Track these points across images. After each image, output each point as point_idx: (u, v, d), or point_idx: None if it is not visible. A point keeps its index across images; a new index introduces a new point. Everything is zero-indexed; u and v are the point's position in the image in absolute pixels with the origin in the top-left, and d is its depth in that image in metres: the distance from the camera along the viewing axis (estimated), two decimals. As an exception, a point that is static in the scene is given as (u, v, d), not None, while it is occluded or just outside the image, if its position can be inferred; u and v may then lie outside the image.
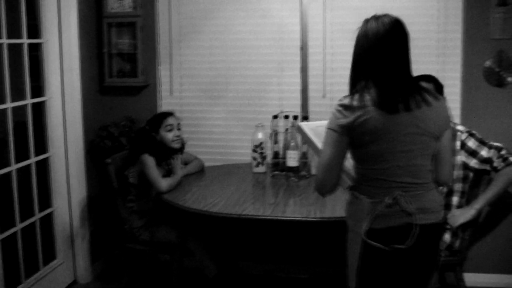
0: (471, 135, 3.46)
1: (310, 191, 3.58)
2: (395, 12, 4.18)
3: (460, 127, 3.52)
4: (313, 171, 3.98)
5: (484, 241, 4.21)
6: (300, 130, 2.76)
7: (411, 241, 2.31)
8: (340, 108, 2.33)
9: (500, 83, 4.06)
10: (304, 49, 4.23)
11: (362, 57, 2.44)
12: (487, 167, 3.41)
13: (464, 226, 3.43)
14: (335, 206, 3.24)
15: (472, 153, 3.43)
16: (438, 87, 3.60)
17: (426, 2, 4.13)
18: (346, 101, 2.33)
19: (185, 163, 4.05)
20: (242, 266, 4.51)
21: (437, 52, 4.15)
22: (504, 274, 4.25)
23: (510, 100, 4.08)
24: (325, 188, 2.42)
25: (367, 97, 2.30)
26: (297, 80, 4.30)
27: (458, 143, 3.48)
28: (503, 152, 3.38)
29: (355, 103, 2.30)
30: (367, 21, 2.53)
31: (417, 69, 3.94)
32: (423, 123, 2.33)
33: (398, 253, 2.32)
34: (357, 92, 2.35)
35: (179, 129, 3.91)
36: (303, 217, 3.12)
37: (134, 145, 3.88)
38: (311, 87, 4.27)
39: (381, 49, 2.38)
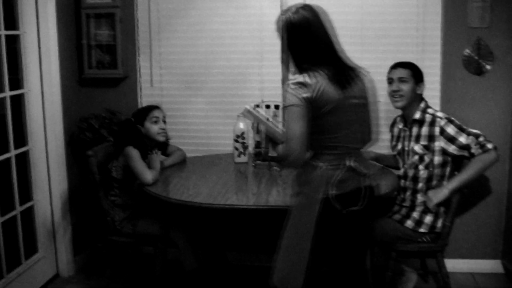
0: (450, 121, 3.50)
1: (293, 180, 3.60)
2: (374, 1, 4.23)
3: (439, 114, 3.56)
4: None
5: (465, 227, 4.26)
6: (250, 112, 2.91)
7: (363, 202, 2.65)
8: (297, 86, 2.54)
9: (479, 71, 4.10)
10: (284, 38, 4.23)
11: (303, 43, 2.68)
12: (465, 153, 3.46)
13: (438, 205, 3.53)
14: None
15: (451, 139, 3.47)
16: (417, 73, 3.64)
17: (405, -10, 4.16)
18: (301, 79, 2.54)
19: (167, 155, 4.04)
20: (228, 256, 4.52)
21: (417, 41, 4.18)
22: (485, 260, 4.31)
23: (488, 88, 4.12)
24: (300, 160, 2.59)
25: (318, 75, 2.55)
26: (278, 70, 4.30)
27: (437, 129, 3.51)
28: (481, 139, 3.43)
29: (309, 80, 2.53)
30: (295, 11, 2.78)
31: (396, 58, 4.00)
32: (364, 94, 2.72)
33: (351, 215, 2.64)
34: (305, 72, 2.58)
35: (164, 122, 3.89)
36: (286, 206, 3.12)
37: (118, 137, 3.85)
38: (291, 77, 4.28)
39: (320, 35, 2.69)
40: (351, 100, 2.62)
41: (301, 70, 2.62)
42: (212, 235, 4.30)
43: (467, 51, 4.09)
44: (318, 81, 2.53)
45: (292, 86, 2.54)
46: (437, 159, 3.54)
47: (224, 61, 4.41)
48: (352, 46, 4.22)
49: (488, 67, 4.08)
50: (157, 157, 3.82)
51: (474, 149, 3.43)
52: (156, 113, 3.84)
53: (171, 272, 3.92)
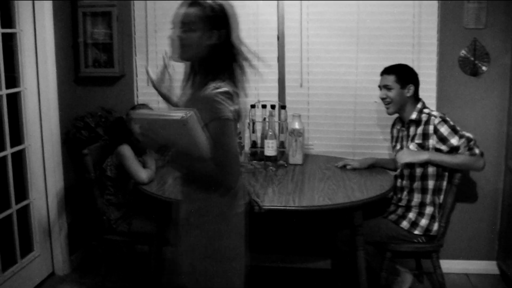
0: (444, 121, 3.51)
1: (288, 180, 3.60)
2: (370, 2, 4.23)
3: (435, 113, 3.58)
4: (291, 160, 4.00)
5: (461, 227, 4.27)
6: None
7: None
8: (227, 96, 2.27)
9: (475, 72, 4.11)
10: (280, 38, 4.24)
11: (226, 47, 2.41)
12: (454, 153, 3.48)
13: (407, 165, 3.59)
14: (313, 195, 3.27)
15: (443, 140, 3.49)
16: (403, 77, 3.63)
17: (402, -9, 4.16)
18: (228, 89, 2.28)
19: None
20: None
21: (413, 41, 4.18)
22: (480, 260, 4.32)
23: (484, 89, 4.13)
24: (238, 178, 2.43)
25: (234, 85, 2.33)
26: (274, 70, 4.31)
27: (431, 127, 3.52)
28: (471, 143, 3.46)
29: (232, 90, 2.31)
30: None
31: (392, 58, 4.01)
32: None
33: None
34: (224, 79, 2.33)
35: None
36: (282, 206, 3.14)
37: (111, 135, 3.85)
38: (288, 76, 4.28)
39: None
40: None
41: (221, 76, 2.36)
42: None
43: (463, 52, 4.10)
44: (238, 94, 2.35)
45: (222, 96, 2.25)
46: None
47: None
48: (348, 47, 4.28)
49: (484, 68, 4.09)
50: (152, 156, 3.82)
51: (462, 151, 3.46)
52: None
53: (166, 270, 3.92)
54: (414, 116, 3.62)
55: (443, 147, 3.49)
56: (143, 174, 3.56)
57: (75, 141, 4.29)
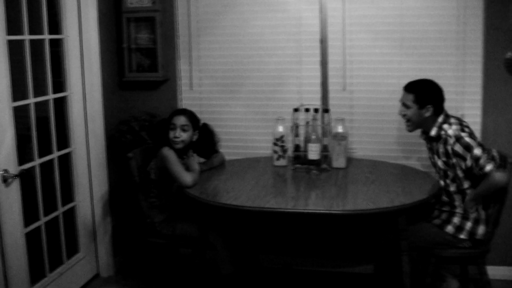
0: (457, 139, 3.43)
1: (331, 184, 3.59)
2: (413, 4, 4.20)
3: (450, 131, 3.49)
4: (334, 164, 3.99)
5: (508, 233, 4.19)
6: None
7: None
8: None
9: (521, 75, 4.04)
10: (323, 42, 4.23)
11: None
12: (474, 172, 3.42)
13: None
14: (357, 199, 3.25)
15: (462, 158, 3.43)
16: (422, 98, 3.57)
17: (446, -6, 4.11)
18: None
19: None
20: (262, 259, 4.53)
21: (457, 44, 4.12)
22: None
23: (531, 92, 4.06)
24: None
25: None
26: (317, 73, 4.30)
27: (449, 148, 3.47)
28: (480, 161, 3.34)
29: None
30: None
31: (437, 61, 3.97)
32: None
33: None
34: None
35: (183, 130, 3.79)
36: (325, 210, 3.13)
37: (153, 138, 3.89)
38: (331, 80, 4.27)
39: None
40: None
41: None
42: (249, 237, 4.31)
43: (509, 54, 4.03)
44: None
45: None
46: (460, 172, 3.50)
47: (262, 64, 4.43)
48: (391, 50, 4.25)
49: (530, 70, 4.02)
50: (194, 159, 3.84)
51: (476, 172, 3.39)
52: (175, 119, 3.80)
53: (209, 274, 3.94)
54: (433, 132, 3.57)
55: (464, 165, 3.44)
56: (187, 177, 3.58)
57: (119, 145, 4.35)
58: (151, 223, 3.83)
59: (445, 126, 3.53)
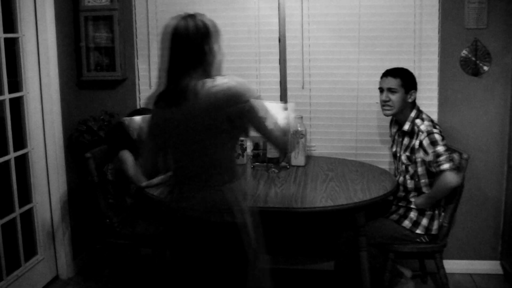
0: (428, 134, 3.51)
1: (291, 181, 3.61)
2: (372, 3, 4.24)
3: (423, 127, 3.55)
4: (293, 161, 4.00)
5: (464, 228, 4.27)
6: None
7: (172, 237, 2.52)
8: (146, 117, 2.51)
9: (476, 72, 4.11)
10: (282, 40, 4.24)
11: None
12: (431, 169, 3.50)
13: (433, 208, 3.61)
14: (316, 197, 3.27)
15: (426, 153, 3.49)
16: (408, 82, 3.63)
17: (403, -8, 4.17)
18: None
19: None
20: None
21: (414, 42, 4.18)
22: (483, 260, 4.32)
23: (486, 89, 4.13)
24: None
25: (154, 94, 2.43)
26: (276, 71, 4.31)
27: (417, 142, 3.54)
28: (440, 158, 3.42)
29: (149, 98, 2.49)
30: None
31: (394, 60, 4.02)
32: (190, 117, 2.32)
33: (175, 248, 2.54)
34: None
35: None
36: (285, 208, 3.14)
37: (111, 141, 3.85)
38: (290, 78, 4.27)
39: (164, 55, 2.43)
40: (175, 124, 2.39)
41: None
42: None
43: (464, 52, 4.10)
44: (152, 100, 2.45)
45: None
46: (420, 169, 3.58)
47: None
48: (350, 48, 4.28)
49: (485, 68, 4.09)
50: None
51: (433, 168, 3.47)
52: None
53: (169, 274, 3.92)
54: (406, 127, 3.64)
55: (426, 159, 3.51)
56: (141, 179, 3.58)
57: (78, 145, 4.31)
58: (110, 224, 3.81)
59: (418, 121, 3.59)
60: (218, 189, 2.41)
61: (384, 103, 3.68)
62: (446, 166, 3.40)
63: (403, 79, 3.62)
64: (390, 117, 3.84)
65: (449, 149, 3.50)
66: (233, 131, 2.38)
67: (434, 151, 3.44)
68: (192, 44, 2.38)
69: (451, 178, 3.40)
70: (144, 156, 2.55)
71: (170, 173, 2.54)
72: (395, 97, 3.63)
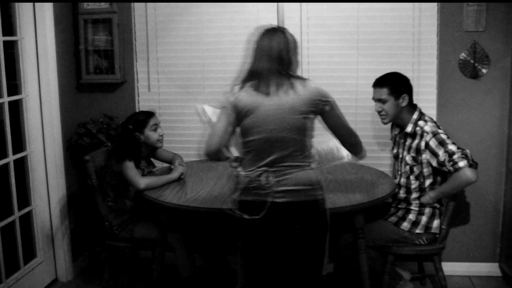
0: (434, 135, 3.52)
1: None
2: (370, 6, 4.25)
3: (427, 127, 3.58)
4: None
5: (463, 230, 4.27)
6: (203, 111, 3.24)
7: (263, 213, 2.69)
8: (229, 91, 2.83)
9: (475, 75, 4.11)
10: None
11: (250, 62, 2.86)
12: (444, 169, 3.48)
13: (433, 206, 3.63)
14: (315, 199, 3.27)
15: (434, 154, 3.50)
16: (396, 88, 3.63)
17: (401, -5, 4.17)
18: (233, 86, 2.84)
19: (165, 160, 4.04)
20: (229, 260, 4.52)
21: (413, 45, 4.19)
22: (482, 263, 4.32)
23: (484, 92, 4.14)
24: (209, 151, 2.81)
25: (245, 85, 2.79)
26: (275, 74, 4.32)
27: (423, 143, 3.54)
28: (454, 156, 3.43)
29: (235, 87, 2.82)
30: (262, 34, 2.87)
31: (393, 62, 4.02)
32: (287, 102, 2.71)
33: (258, 224, 2.72)
34: (241, 82, 2.83)
35: (160, 128, 3.89)
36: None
37: (119, 148, 3.80)
38: (289, 81, 4.28)
39: (259, 58, 2.81)
40: (273, 107, 2.72)
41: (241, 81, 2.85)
42: (210, 239, 4.31)
43: (463, 55, 4.11)
44: (243, 89, 2.79)
45: (227, 92, 2.84)
46: (426, 170, 3.59)
47: (220, 66, 4.43)
48: (348, 51, 4.29)
49: (484, 70, 4.10)
50: (177, 168, 3.83)
51: (448, 167, 3.46)
52: (154, 120, 3.83)
53: (169, 276, 3.92)
54: (409, 129, 3.64)
55: (435, 162, 3.52)
56: (139, 181, 3.58)
57: (77, 148, 4.31)
58: (109, 226, 3.81)
59: (421, 122, 3.61)
60: (309, 169, 2.79)
61: (378, 113, 3.70)
62: (462, 163, 3.40)
63: (390, 87, 3.63)
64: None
65: (459, 147, 3.49)
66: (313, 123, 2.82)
67: (446, 151, 3.45)
68: (286, 55, 2.79)
69: (470, 175, 3.40)
70: (215, 137, 2.80)
71: (249, 157, 2.80)
72: (386, 106, 3.65)
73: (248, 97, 2.75)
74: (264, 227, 2.74)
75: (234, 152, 2.94)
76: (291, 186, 2.73)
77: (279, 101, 2.71)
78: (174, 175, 3.75)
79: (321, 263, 2.92)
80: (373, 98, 3.72)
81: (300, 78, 2.81)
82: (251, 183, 2.75)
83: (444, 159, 3.45)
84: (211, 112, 3.16)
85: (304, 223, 2.76)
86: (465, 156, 3.41)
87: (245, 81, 2.82)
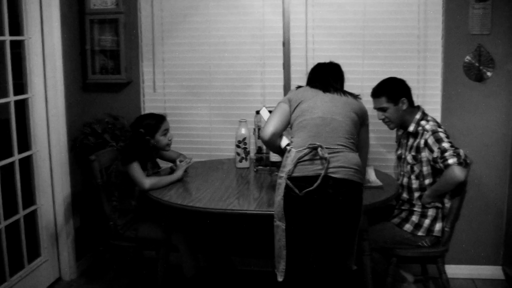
0: (433, 133, 3.53)
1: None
2: (376, 8, 4.26)
3: (428, 126, 3.59)
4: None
5: (466, 232, 4.28)
6: (264, 112, 3.53)
7: (317, 184, 2.84)
8: (293, 89, 3.29)
9: (479, 78, 4.12)
10: (286, 45, 4.26)
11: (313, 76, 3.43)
12: (437, 166, 3.49)
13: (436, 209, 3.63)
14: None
15: (430, 151, 3.51)
16: (393, 94, 3.65)
17: (407, -2, 4.18)
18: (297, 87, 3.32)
19: (170, 160, 4.05)
20: (234, 261, 4.53)
21: (418, 47, 4.20)
22: (485, 266, 4.32)
23: (489, 95, 4.14)
24: (265, 137, 3.12)
25: (304, 86, 3.29)
26: (280, 76, 4.33)
27: (422, 141, 3.55)
28: (446, 154, 3.43)
29: (295, 88, 3.31)
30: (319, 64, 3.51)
31: (397, 65, 4.03)
32: (344, 100, 3.13)
33: (310, 198, 2.86)
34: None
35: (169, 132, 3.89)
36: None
37: (129, 150, 3.81)
38: (294, 82, 4.29)
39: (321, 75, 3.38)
40: (328, 97, 3.11)
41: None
42: (215, 239, 4.32)
43: (467, 58, 4.11)
44: (301, 89, 3.24)
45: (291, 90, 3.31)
46: (426, 169, 3.59)
47: (226, 66, 4.44)
48: (354, 53, 4.30)
49: (488, 73, 4.10)
50: (181, 167, 3.83)
51: (439, 164, 3.47)
52: (166, 125, 3.82)
53: (173, 276, 3.93)
54: (412, 128, 3.65)
55: (432, 158, 3.52)
56: (144, 181, 3.59)
57: (82, 147, 4.32)
58: (114, 226, 3.82)
59: (423, 122, 3.63)
60: (356, 153, 3.05)
61: (382, 121, 3.75)
62: (452, 161, 3.40)
63: (386, 95, 3.66)
64: None
65: (454, 146, 3.49)
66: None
67: (439, 148, 3.46)
68: (340, 77, 3.45)
69: (457, 172, 3.39)
70: (269, 125, 3.12)
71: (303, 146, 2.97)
72: (388, 113, 3.69)
73: (305, 91, 3.17)
74: (313, 202, 2.88)
75: (285, 140, 3.17)
76: (343, 163, 2.92)
77: (335, 96, 3.12)
78: (178, 174, 3.76)
79: (351, 252, 3.08)
80: (374, 108, 3.74)
81: (352, 94, 3.20)
82: (304, 158, 2.92)
83: (437, 156, 3.46)
84: (267, 114, 3.44)
85: (349, 203, 2.93)
86: (456, 155, 3.42)
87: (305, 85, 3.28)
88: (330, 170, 2.88)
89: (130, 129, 3.95)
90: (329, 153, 2.90)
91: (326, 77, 3.30)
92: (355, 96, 3.20)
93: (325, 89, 3.15)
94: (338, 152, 2.94)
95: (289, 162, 2.95)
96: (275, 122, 3.11)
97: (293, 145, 3.01)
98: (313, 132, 3.00)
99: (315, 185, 2.84)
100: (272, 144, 3.15)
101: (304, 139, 2.98)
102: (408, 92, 3.70)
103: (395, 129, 3.94)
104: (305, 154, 2.93)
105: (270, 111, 3.34)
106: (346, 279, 3.08)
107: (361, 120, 3.15)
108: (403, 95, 3.66)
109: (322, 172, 2.86)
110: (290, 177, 2.91)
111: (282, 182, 2.95)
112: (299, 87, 3.27)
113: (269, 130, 3.09)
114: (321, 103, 3.07)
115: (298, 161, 2.92)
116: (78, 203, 4.44)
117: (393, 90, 3.67)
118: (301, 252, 3.00)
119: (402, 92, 3.67)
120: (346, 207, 2.92)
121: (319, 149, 2.90)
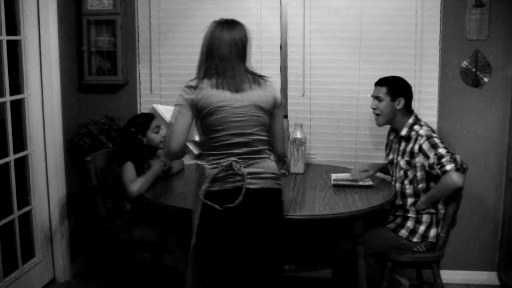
0: (428, 138, 3.52)
1: (289, 189, 3.61)
2: (373, 12, 4.26)
3: (422, 131, 3.57)
4: (292, 169, 4.00)
5: (461, 238, 4.28)
6: (154, 110, 3.28)
7: (239, 200, 2.73)
8: (185, 88, 2.81)
9: (476, 83, 4.12)
10: (283, 48, 4.25)
11: (208, 55, 2.88)
12: (433, 172, 3.48)
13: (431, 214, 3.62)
14: (314, 205, 3.28)
15: (426, 156, 3.50)
16: (395, 89, 3.64)
17: (404, 3, 4.17)
18: (191, 83, 2.81)
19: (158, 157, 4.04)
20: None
21: (415, 52, 4.20)
22: (480, 271, 4.32)
23: (486, 100, 4.14)
24: (172, 151, 2.82)
25: (205, 81, 2.79)
26: (277, 79, 4.32)
27: (416, 147, 3.55)
28: (443, 160, 3.42)
29: (194, 84, 2.80)
30: (215, 24, 2.99)
31: (394, 69, 4.03)
32: (254, 99, 2.81)
33: (230, 212, 2.74)
34: (200, 78, 2.83)
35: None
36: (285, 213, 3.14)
37: (122, 151, 3.81)
38: (291, 86, 4.29)
39: (221, 51, 2.85)
40: (237, 103, 2.78)
41: (198, 75, 2.86)
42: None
43: (464, 63, 4.11)
44: (203, 87, 2.78)
45: (183, 89, 2.82)
46: (420, 174, 3.58)
47: (223, 69, 4.43)
48: (351, 57, 4.30)
49: (485, 79, 4.10)
50: (157, 162, 3.83)
51: (436, 170, 3.46)
52: (156, 122, 3.83)
53: (167, 278, 3.92)
54: (404, 132, 3.64)
55: (427, 164, 3.51)
56: (131, 188, 3.61)
57: (78, 148, 4.31)
58: (108, 228, 3.81)
59: (416, 127, 3.61)
60: (272, 160, 2.93)
61: (373, 111, 3.72)
62: (449, 167, 3.38)
63: (389, 87, 3.65)
64: (389, 126, 3.84)
65: (450, 152, 3.49)
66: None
67: (436, 154, 3.45)
68: (243, 48, 2.91)
69: (456, 178, 3.38)
70: (175, 137, 2.80)
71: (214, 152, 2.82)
72: (381, 105, 3.67)
73: (211, 94, 2.77)
74: (234, 216, 2.77)
75: (193, 148, 2.97)
76: (261, 173, 2.82)
77: (246, 97, 2.80)
78: (155, 167, 3.77)
79: (280, 259, 3.01)
80: (372, 95, 3.73)
81: (258, 75, 2.91)
82: (219, 174, 2.78)
83: (433, 162, 3.45)
84: (163, 110, 3.23)
85: (271, 211, 2.86)
86: (453, 160, 3.41)
87: (204, 76, 2.83)
88: (250, 181, 2.78)
89: (122, 131, 3.96)
90: (245, 167, 2.79)
91: (232, 58, 2.87)
92: (263, 78, 2.94)
93: (233, 88, 2.82)
94: (254, 163, 2.84)
95: (205, 179, 2.80)
96: (181, 135, 2.85)
97: (205, 159, 2.86)
98: (225, 149, 2.83)
99: (237, 202, 2.74)
100: (178, 156, 2.99)
101: (217, 155, 2.83)
102: (409, 96, 3.69)
103: (387, 134, 3.94)
104: (222, 169, 2.79)
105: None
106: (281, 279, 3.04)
107: (272, 111, 2.94)
108: (403, 96, 3.65)
109: (243, 184, 2.76)
110: (208, 192, 2.78)
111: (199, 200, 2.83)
112: (201, 80, 2.89)
113: (175, 146, 2.84)
114: (231, 116, 2.80)
115: (214, 177, 2.79)
116: (73, 204, 4.43)
117: (396, 86, 3.66)
118: (215, 272, 2.92)
119: (404, 93, 3.67)
120: (268, 218, 2.86)
121: (233, 164, 2.78)
